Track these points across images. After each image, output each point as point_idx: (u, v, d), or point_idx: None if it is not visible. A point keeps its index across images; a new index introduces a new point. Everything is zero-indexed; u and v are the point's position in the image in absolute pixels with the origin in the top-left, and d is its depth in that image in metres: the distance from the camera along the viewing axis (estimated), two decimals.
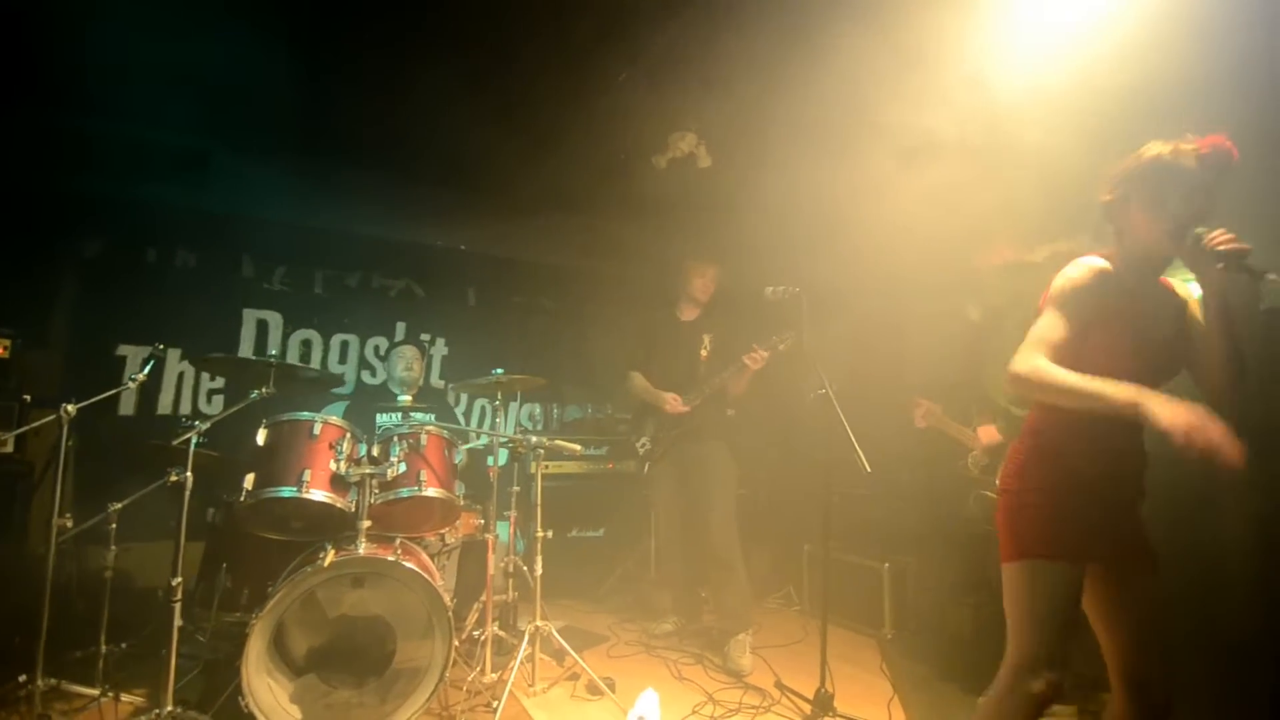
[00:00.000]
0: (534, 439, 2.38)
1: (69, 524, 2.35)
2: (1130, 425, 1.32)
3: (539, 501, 2.43)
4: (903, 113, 2.82)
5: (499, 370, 2.79)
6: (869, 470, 2.35)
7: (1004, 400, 2.85)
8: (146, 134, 3.57)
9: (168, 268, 3.89)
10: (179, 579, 2.08)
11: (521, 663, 2.55)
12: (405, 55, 3.00)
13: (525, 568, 3.09)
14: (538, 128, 3.52)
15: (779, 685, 2.82)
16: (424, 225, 4.40)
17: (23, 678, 2.33)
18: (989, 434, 2.88)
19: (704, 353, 3.41)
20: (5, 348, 2.92)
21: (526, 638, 2.36)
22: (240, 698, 2.04)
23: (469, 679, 2.53)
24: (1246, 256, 1.34)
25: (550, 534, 2.57)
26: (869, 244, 3.54)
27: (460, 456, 2.64)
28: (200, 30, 2.69)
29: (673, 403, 3.30)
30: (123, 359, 3.65)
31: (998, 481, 1.66)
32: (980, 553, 2.68)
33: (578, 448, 2.43)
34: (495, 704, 2.46)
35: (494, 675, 2.60)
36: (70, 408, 2.27)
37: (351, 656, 2.35)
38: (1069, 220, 2.73)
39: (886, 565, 3.57)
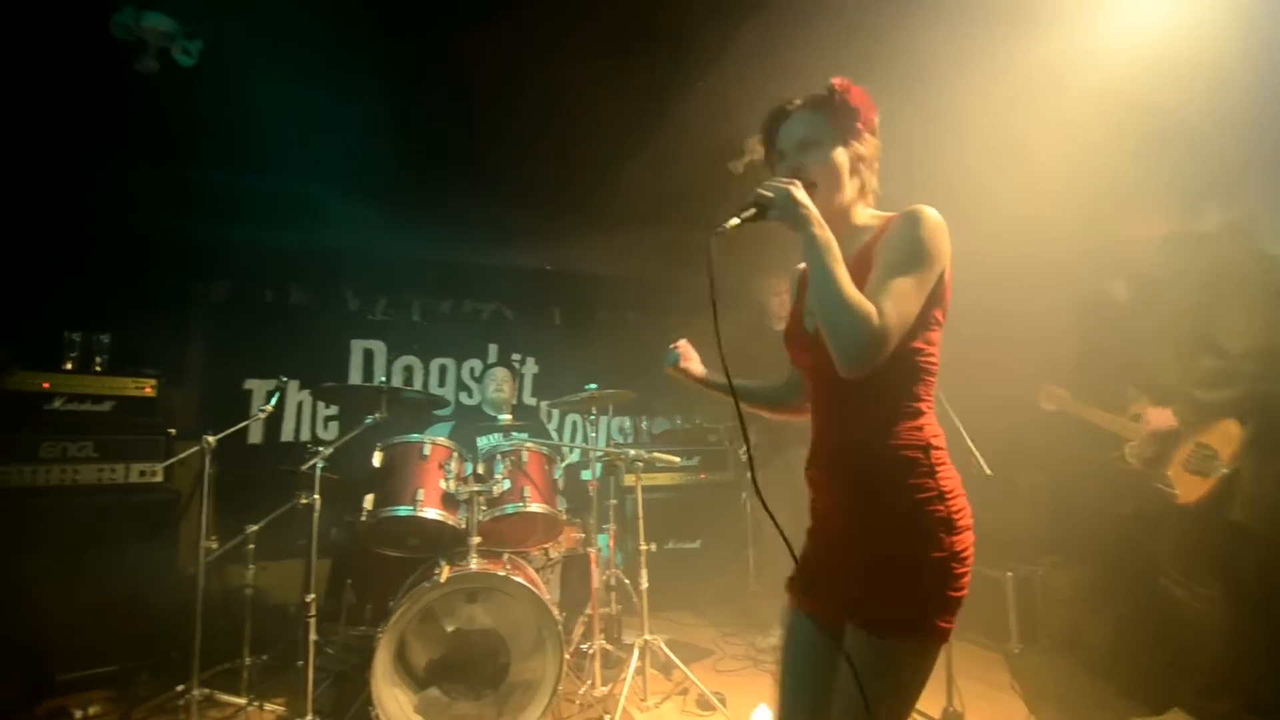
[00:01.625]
0: (631, 452, 2.38)
1: (214, 545, 2.55)
2: None
3: (640, 514, 2.43)
4: (1021, 62, 2.56)
5: (591, 385, 2.82)
6: (989, 474, 2.20)
7: (1187, 383, 2.49)
8: (261, 182, 3.88)
9: (284, 306, 4.21)
10: (313, 595, 2.21)
11: (632, 677, 2.54)
12: (485, 86, 3.12)
13: (627, 581, 3.11)
14: (615, 144, 3.56)
15: None
16: (510, 249, 4.54)
17: (180, 687, 2.55)
18: (1162, 418, 2.50)
19: None
20: (152, 387, 3.24)
21: (637, 652, 2.35)
22: (370, 708, 2.14)
23: (580, 692, 2.54)
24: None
25: (653, 547, 2.55)
26: (973, 225, 3.31)
27: (559, 472, 2.69)
28: (314, 84, 2.92)
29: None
30: (249, 392, 3.96)
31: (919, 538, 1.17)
32: (1129, 556, 2.45)
33: (675, 459, 2.42)
34: (608, 718, 2.46)
35: (604, 689, 2.61)
36: (211, 439, 2.48)
37: (468, 669, 2.42)
38: (1231, 185, 2.43)
39: (1009, 574, 3.32)
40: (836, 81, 1.25)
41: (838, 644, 1.18)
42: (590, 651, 2.65)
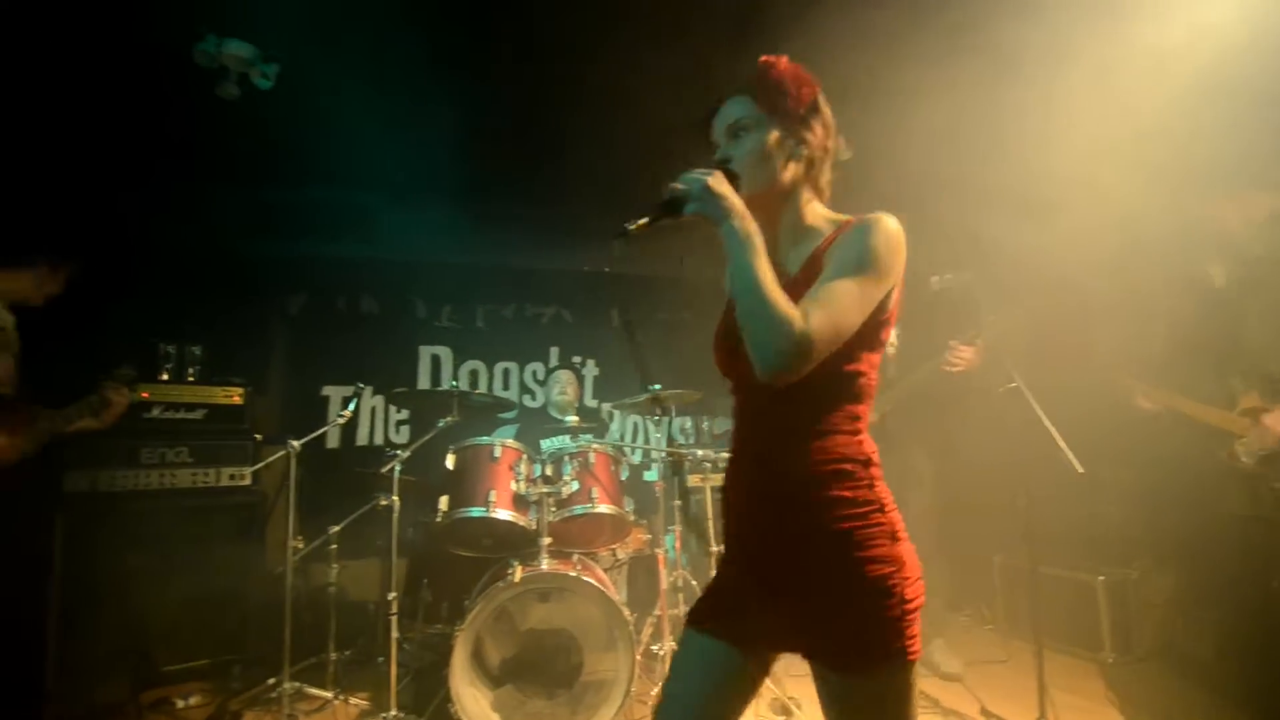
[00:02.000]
0: (700, 452, 2.37)
1: (300, 545, 2.67)
2: None
3: (710, 515, 2.41)
4: (1117, 48, 2.40)
5: (656, 386, 2.81)
6: (1081, 471, 2.08)
7: None
8: (333, 196, 4.05)
9: (355, 315, 4.38)
10: (394, 594, 2.29)
11: None
12: (544, 92, 3.17)
13: (694, 582, 3.09)
14: (675, 142, 3.54)
15: (985, 713, 2.56)
16: (569, 252, 4.60)
17: (271, 680, 2.68)
18: None
19: (891, 350, 3.07)
20: (240, 395, 3.42)
21: None
22: (449, 704, 2.20)
23: (653, 693, 2.54)
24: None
25: (722, 549, 2.52)
26: (1066, 212, 3.10)
27: (625, 473, 2.70)
28: (380, 100, 3.03)
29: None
30: (326, 398, 4.14)
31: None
32: (1234, 559, 2.28)
33: None
34: None
35: None
36: (295, 444, 2.60)
37: (541, 668, 2.45)
38: None
39: (1101, 579, 3.14)
40: (765, 59, 1.14)
41: (744, 670, 1.10)
42: (661, 653, 2.64)
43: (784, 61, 1.14)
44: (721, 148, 1.17)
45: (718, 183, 1.04)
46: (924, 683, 2.86)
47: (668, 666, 2.61)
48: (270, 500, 3.46)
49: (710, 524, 2.44)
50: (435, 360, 4.45)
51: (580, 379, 3.90)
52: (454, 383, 3.10)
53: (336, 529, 2.77)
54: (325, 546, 2.77)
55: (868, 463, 1.09)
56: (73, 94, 2.90)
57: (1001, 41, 2.40)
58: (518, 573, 2.27)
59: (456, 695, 2.19)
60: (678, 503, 3.02)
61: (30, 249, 2.34)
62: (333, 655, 2.75)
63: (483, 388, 4.50)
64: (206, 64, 2.72)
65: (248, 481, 3.33)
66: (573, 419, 3.11)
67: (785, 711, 2.52)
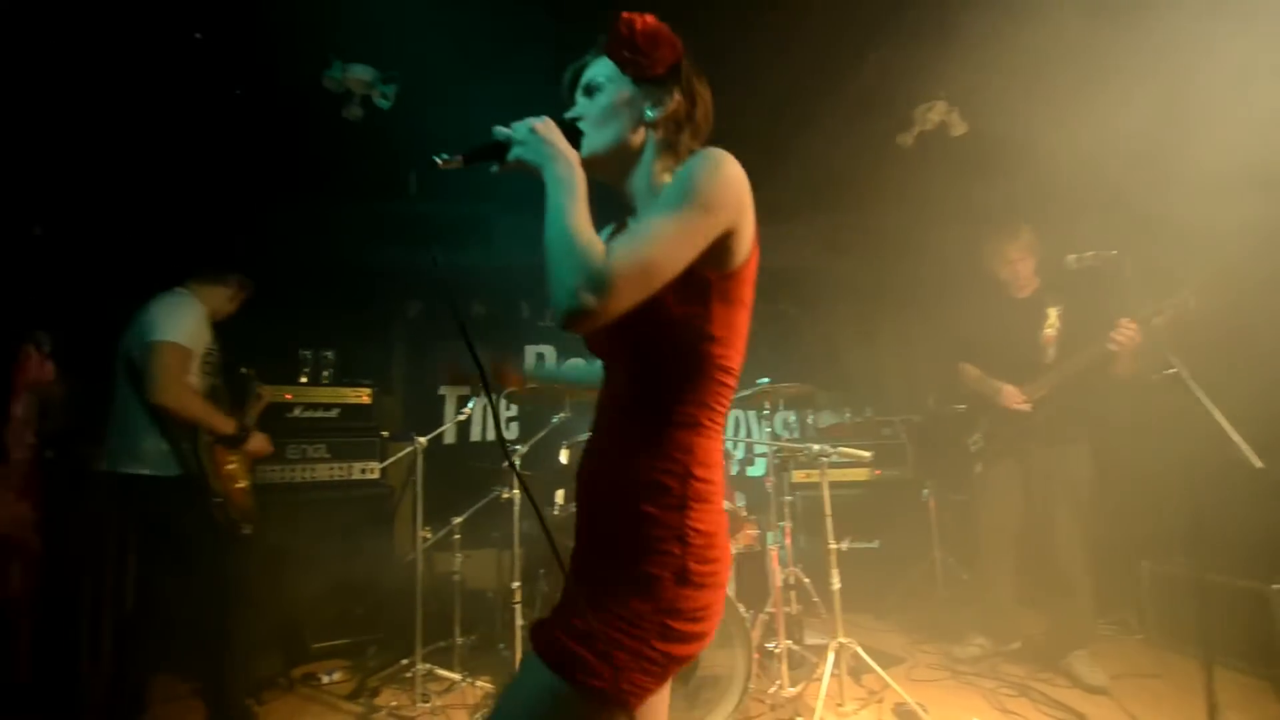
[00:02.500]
0: (815, 447, 2.30)
1: (429, 535, 2.84)
2: None
3: (828, 512, 2.34)
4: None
5: (764, 380, 2.76)
6: (1259, 465, 1.85)
7: None
8: (445, 209, 4.27)
9: (465, 318, 4.60)
10: (518, 583, 2.38)
11: (820, 679, 2.45)
12: None
13: (807, 580, 3.01)
14: (772, 131, 3.46)
15: None
16: None
17: (405, 661, 2.86)
18: None
19: (1050, 331, 2.87)
20: (368, 395, 3.68)
21: (832, 655, 2.26)
22: None
23: (770, 692, 2.50)
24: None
25: (845, 545, 2.45)
26: (1235, 197, 2.78)
27: (734, 468, 2.66)
28: (489, 111, 3.14)
29: (1010, 397, 2.88)
30: (443, 397, 4.38)
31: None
32: None
33: (865, 453, 2.29)
34: (799, 719, 2.40)
35: (793, 690, 2.54)
36: (422, 440, 2.76)
37: None
38: None
39: (1276, 587, 2.78)
40: (624, 16, 1.06)
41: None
42: (776, 651, 2.60)
43: (644, 21, 1.06)
44: (575, 106, 1.12)
45: (545, 129, 1.00)
46: (1066, 695, 2.65)
47: (784, 665, 2.57)
48: (397, 493, 3.71)
49: (829, 521, 2.36)
50: (540, 359, 4.60)
51: None
52: None
53: (459, 520, 2.92)
54: (449, 536, 2.92)
55: (687, 478, 0.94)
56: (221, 126, 3.22)
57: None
58: None
59: None
60: (788, 498, 2.97)
61: (225, 266, 2.53)
62: (459, 640, 2.90)
63: None
64: (334, 89, 2.94)
65: (376, 475, 3.59)
66: None
67: (911, 717, 2.40)
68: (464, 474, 3.40)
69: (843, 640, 2.31)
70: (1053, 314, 2.87)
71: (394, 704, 2.63)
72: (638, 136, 1.08)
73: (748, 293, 1.01)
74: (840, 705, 2.49)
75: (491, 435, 4.38)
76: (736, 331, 0.99)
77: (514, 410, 4.42)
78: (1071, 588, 2.80)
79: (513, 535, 2.60)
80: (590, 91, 1.10)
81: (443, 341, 4.46)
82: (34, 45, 2.45)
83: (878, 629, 3.59)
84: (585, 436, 2.61)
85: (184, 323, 2.23)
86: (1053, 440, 2.83)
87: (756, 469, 4.69)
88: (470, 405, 3.13)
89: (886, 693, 2.58)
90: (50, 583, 2.68)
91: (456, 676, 2.78)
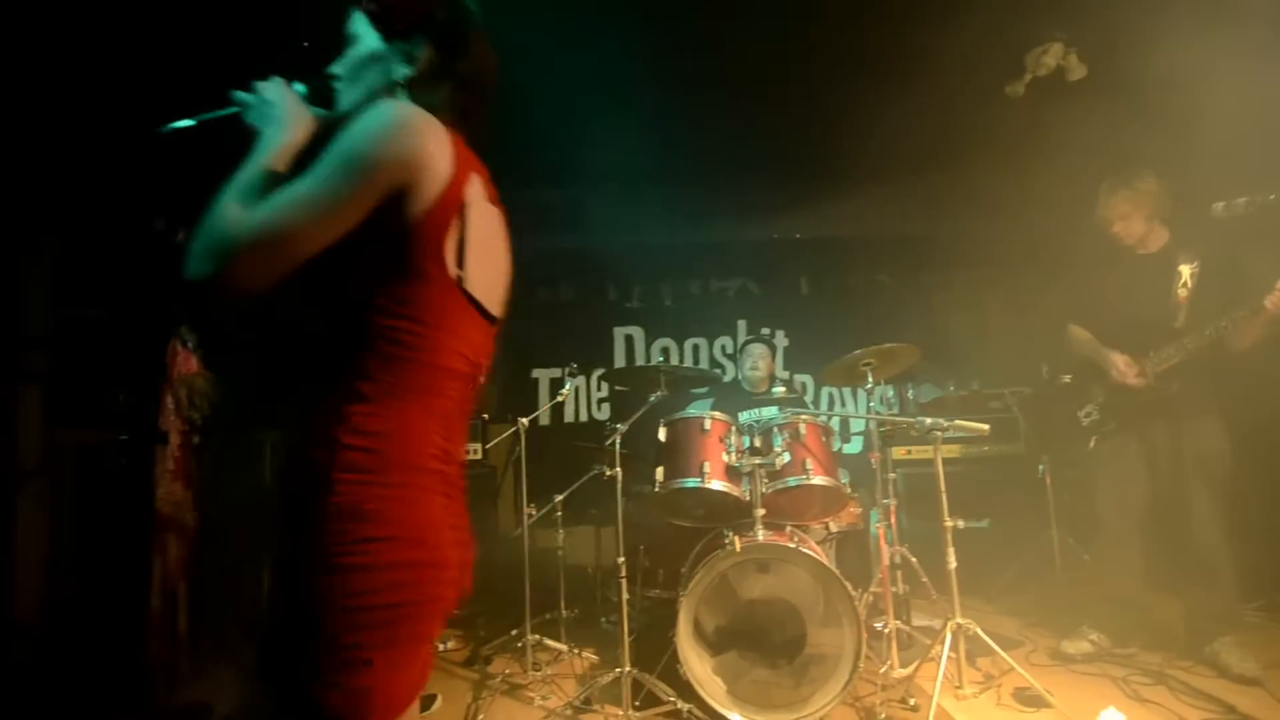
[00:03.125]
0: (928, 421, 2.20)
1: (533, 512, 2.94)
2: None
3: (943, 488, 2.24)
4: None
5: (860, 350, 2.66)
6: None
7: None
8: (534, 194, 4.36)
9: (554, 301, 4.71)
10: (622, 558, 2.44)
11: (934, 661, 2.37)
12: (736, 71, 3.10)
13: (914, 559, 2.91)
14: (868, 89, 3.29)
15: None
16: (753, 222, 4.52)
17: (514, 632, 3.00)
18: None
19: (1182, 292, 2.56)
20: None
21: (949, 637, 2.18)
22: (678, 665, 2.29)
23: (880, 672, 2.44)
24: None
25: (960, 524, 2.34)
26: None
27: (837, 444, 2.60)
28: (582, 96, 3.19)
29: (1123, 370, 2.61)
30: (536, 380, 4.51)
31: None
32: None
33: (983, 427, 2.17)
34: (911, 701, 2.33)
35: (903, 671, 2.47)
36: (524, 421, 2.85)
37: (759, 638, 2.46)
38: None
39: None
40: None
41: None
42: (885, 631, 2.53)
43: None
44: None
45: (273, 90, 0.96)
46: (1211, 684, 2.43)
47: (894, 646, 2.51)
48: (498, 473, 3.86)
49: (944, 498, 2.26)
50: (629, 340, 4.65)
51: (772, 350, 3.81)
52: (662, 358, 3.23)
53: (560, 498, 3.00)
54: (552, 513, 3.02)
55: (334, 447, 0.82)
56: None
57: None
58: (736, 542, 2.29)
59: (684, 657, 2.28)
60: (892, 475, 2.87)
61: None
62: (564, 613, 3.00)
63: (674, 364, 4.63)
64: None
65: (479, 456, 3.76)
66: (779, 389, 3.07)
67: (1034, 702, 2.28)
68: (561, 454, 3.50)
69: (960, 621, 2.21)
70: (1185, 272, 2.56)
71: (507, 671, 2.76)
72: (386, 92, 1.00)
73: (432, 264, 0.89)
74: (958, 688, 2.40)
75: (585, 416, 4.48)
76: (417, 304, 0.89)
77: (604, 391, 4.49)
78: (1212, 571, 2.55)
79: (614, 512, 2.65)
80: (346, 47, 1.04)
81: (534, 326, 4.58)
82: (158, 54, 2.66)
83: (988, 612, 3.43)
84: (684, 415, 2.63)
85: None
86: (1180, 412, 2.57)
87: (852, 446, 4.56)
88: (566, 388, 3.21)
89: (1006, 677, 2.46)
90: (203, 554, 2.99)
91: (563, 647, 2.89)
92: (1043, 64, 2.97)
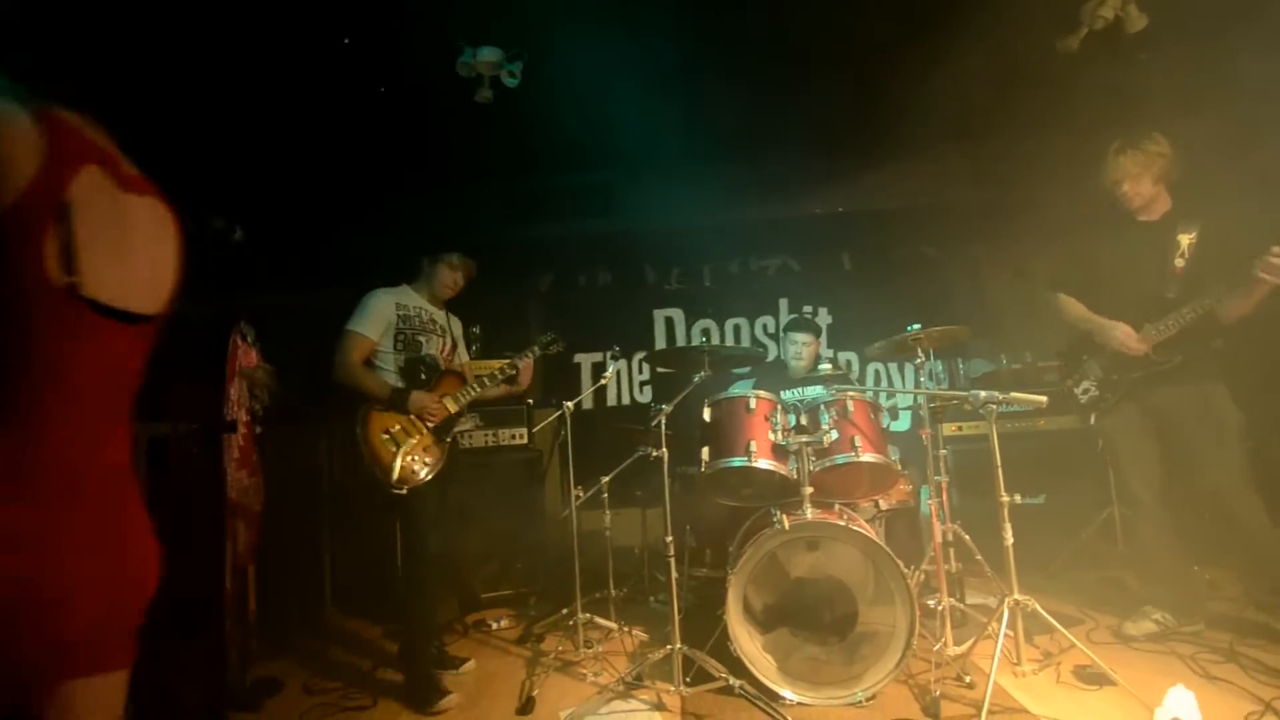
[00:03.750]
0: (982, 394, 2.14)
1: (581, 493, 2.99)
2: None
3: (998, 464, 2.18)
4: None
5: (915, 325, 2.61)
6: None
7: None
8: (569, 179, 4.38)
9: (593, 287, 4.73)
10: (670, 538, 2.46)
11: (991, 639, 2.33)
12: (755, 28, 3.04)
13: (966, 536, 2.86)
14: (910, 50, 3.18)
15: None
16: (792, 199, 4.43)
17: (565, 610, 3.06)
18: None
19: (1179, 262, 2.50)
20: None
21: (1006, 613, 2.14)
22: (728, 642, 2.31)
23: (935, 649, 2.42)
24: None
25: (1017, 498, 2.28)
26: None
27: (886, 421, 2.56)
28: (613, 84, 3.18)
29: (1124, 338, 2.56)
30: (579, 365, 4.56)
31: None
32: None
33: (1041, 399, 2.10)
34: (967, 678, 2.30)
35: (957, 649, 2.44)
36: (569, 405, 2.89)
37: (809, 616, 2.46)
38: None
39: None
40: None
41: None
42: (939, 609, 2.50)
43: None
44: None
45: None
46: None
47: (948, 624, 2.48)
48: (545, 457, 3.93)
49: (1000, 473, 2.21)
50: (669, 322, 4.65)
51: (818, 335, 3.70)
52: (703, 339, 3.22)
53: (607, 479, 3.04)
54: (599, 495, 3.06)
55: None
56: (360, 122, 3.48)
57: None
58: (785, 521, 2.29)
59: (734, 634, 2.29)
60: (943, 452, 2.81)
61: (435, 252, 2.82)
62: (613, 592, 3.05)
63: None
64: (466, 74, 3.07)
65: (525, 440, 3.82)
66: (826, 367, 3.03)
67: (1095, 680, 2.23)
68: (606, 436, 3.54)
69: (1018, 597, 2.17)
70: (1184, 241, 2.47)
71: (559, 649, 2.82)
72: None
73: (22, 275, 0.81)
74: (1016, 664, 2.36)
75: (627, 399, 4.51)
76: (10, 318, 0.82)
77: (646, 374, 4.51)
78: (1258, 536, 2.42)
79: (658, 493, 2.67)
80: None
81: (574, 310, 4.62)
82: (199, 56, 2.75)
83: (1047, 589, 3.34)
84: (728, 394, 2.63)
85: (362, 313, 2.60)
86: (1182, 379, 2.49)
87: (900, 423, 4.48)
88: (609, 371, 3.24)
89: (1065, 655, 2.41)
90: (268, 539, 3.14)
91: (613, 625, 2.94)
92: (1099, 16, 2.82)
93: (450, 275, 2.80)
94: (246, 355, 2.96)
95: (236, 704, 2.51)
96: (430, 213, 4.32)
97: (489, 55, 2.98)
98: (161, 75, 2.81)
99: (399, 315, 2.67)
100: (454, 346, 2.89)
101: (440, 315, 2.85)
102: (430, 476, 2.54)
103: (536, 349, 2.95)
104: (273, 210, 3.67)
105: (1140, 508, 2.72)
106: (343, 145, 3.64)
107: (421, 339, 2.71)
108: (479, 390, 2.73)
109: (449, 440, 2.66)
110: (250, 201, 3.37)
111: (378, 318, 2.62)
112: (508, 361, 2.85)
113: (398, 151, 3.82)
